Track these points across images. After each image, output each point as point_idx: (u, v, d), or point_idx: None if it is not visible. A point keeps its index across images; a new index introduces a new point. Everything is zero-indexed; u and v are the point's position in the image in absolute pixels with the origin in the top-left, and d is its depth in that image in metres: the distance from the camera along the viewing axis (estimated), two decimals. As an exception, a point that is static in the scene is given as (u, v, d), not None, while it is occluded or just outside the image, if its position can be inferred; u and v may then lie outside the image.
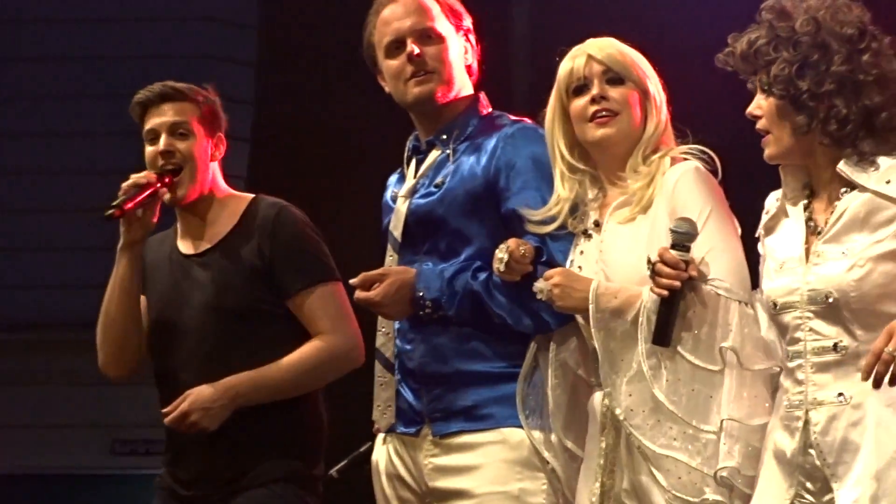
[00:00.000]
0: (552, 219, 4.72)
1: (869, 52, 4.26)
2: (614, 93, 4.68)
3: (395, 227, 5.01)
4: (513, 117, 5.04)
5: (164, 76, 5.58)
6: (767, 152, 4.38)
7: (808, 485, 4.27)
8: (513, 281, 4.71)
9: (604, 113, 4.65)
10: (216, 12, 18.42)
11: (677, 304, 4.35)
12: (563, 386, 4.77)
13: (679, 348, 4.44)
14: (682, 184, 4.55)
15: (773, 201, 4.46)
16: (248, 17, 17.32)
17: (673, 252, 4.39)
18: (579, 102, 4.68)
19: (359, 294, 4.88)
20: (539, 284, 4.62)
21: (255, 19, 15.61)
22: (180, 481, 5.42)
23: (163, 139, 5.31)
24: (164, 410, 5.25)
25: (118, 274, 5.35)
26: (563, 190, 4.71)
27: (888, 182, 4.19)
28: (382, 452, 5.05)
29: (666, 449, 4.46)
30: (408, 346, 4.98)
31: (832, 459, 4.18)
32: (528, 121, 5.01)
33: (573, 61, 4.71)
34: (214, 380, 5.24)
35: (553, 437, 4.79)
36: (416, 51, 4.90)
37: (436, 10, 5.00)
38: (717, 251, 4.47)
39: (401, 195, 5.05)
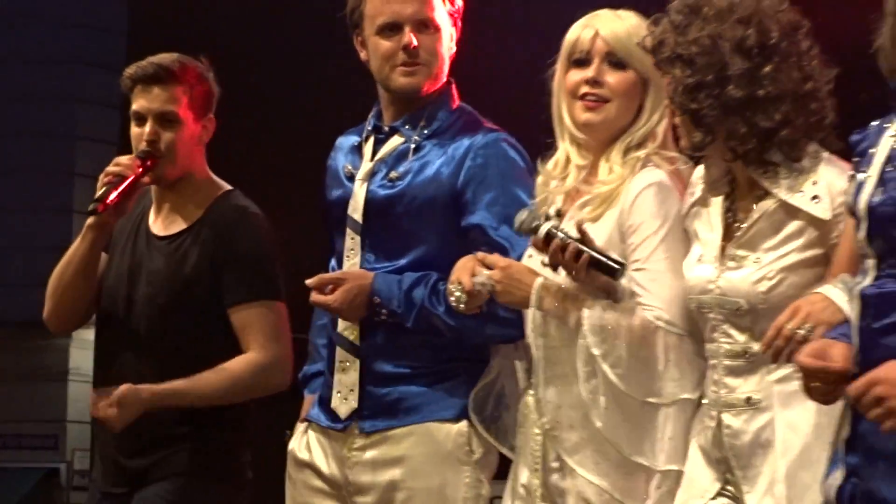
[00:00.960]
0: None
1: (772, 63, 4.29)
2: (611, 77, 4.67)
3: (355, 210, 5.07)
4: (486, 123, 5.12)
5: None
6: (681, 145, 4.53)
7: (728, 476, 4.37)
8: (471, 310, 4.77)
9: (592, 96, 4.67)
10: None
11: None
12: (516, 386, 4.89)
13: (615, 381, 4.46)
14: (639, 202, 4.55)
15: (698, 180, 4.55)
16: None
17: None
18: (574, 77, 4.69)
19: (315, 297, 4.99)
20: (481, 278, 4.65)
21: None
22: (101, 476, 5.57)
23: (149, 125, 5.39)
24: (95, 405, 5.33)
25: (81, 248, 5.43)
26: (577, 159, 4.74)
27: (801, 193, 4.28)
28: (301, 441, 5.16)
29: (584, 469, 4.54)
30: (355, 340, 5.13)
31: (743, 462, 4.32)
32: (500, 130, 5.09)
33: (581, 31, 4.73)
34: (144, 362, 5.38)
35: (497, 438, 4.90)
36: (414, 42, 4.98)
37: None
38: (659, 282, 4.50)
39: (358, 177, 5.10)
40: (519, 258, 4.76)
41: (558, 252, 4.44)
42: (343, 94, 6.10)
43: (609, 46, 4.64)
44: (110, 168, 5.37)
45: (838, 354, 3.75)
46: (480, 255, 4.72)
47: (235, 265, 5.40)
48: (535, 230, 4.51)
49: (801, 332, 3.83)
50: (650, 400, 4.47)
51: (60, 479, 18.47)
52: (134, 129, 5.46)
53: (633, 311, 4.51)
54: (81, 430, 17.26)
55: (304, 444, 5.13)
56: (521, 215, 4.55)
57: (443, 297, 4.83)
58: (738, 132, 4.28)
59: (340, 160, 5.25)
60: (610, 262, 4.44)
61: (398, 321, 4.93)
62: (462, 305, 4.65)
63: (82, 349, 17.11)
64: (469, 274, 4.66)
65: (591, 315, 4.47)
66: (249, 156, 11.14)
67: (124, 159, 5.38)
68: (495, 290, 4.63)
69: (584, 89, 4.63)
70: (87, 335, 15.89)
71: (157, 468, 5.38)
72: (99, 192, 5.36)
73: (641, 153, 4.62)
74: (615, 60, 4.63)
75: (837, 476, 3.85)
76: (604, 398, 4.49)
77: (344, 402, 4.99)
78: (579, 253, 4.43)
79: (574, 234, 4.48)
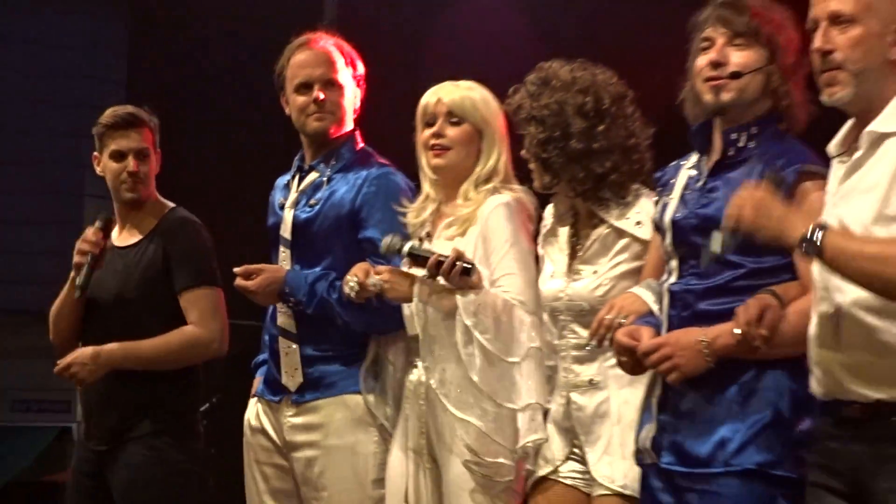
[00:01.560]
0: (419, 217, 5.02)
1: (604, 124, 4.58)
2: (451, 131, 4.94)
3: (285, 230, 5.38)
4: (380, 160, 5.42)
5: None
6: (535, 185, 4.75)
7: (574, 443, 4.63)
8: (361, 300, 5.08)
9: (437, 146, 4.96)
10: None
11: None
12: (395, 373, 5.19)
13: (488, 346, 4.72)
14: (492, 217, 4.82)
15: (549, 216, 4.79)
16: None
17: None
18: (425, 134, 4.98)
19: (238, 282, 5.29)
20: (372, 279, 4.92)
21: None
22: (87, 436, 5.79)
23: (131, 162, 5.68)
24: (57, 363, 5.61)
25: (69, 295, 5.81)
26: (433, 194, 5.04)
27: (627, 219, 4.54)
28: (253, 412, 5.46)
29: (470, 416, 4.78)
30: (272, 332, 5.47)
31: (586, 429, 4.57)
32: (390, 165, 5.43)
33: (429, 98, 5.04)
34: (118, 340, 5.69)
35: (387, 406, 5.18)
36: (322, 96, 5.31)
37: (340, 62, 5.41)
38: (514, 275, 4.75)
39: (287, 206, 5.41)
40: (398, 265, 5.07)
41: (434, 267, 4.72)
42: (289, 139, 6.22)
43: (448, 108, 4.95)
44: (83, 247, 5.68)
45: (646, 335, 4.06)
46: (370, 265, 5.03)
47: (181, 259, 5.73)
48: (399, 250, 4.84)
49: (617, 320, 4.16)
50: (511, 359, 4.76)
51: (73, 435, 18.43)
52: (114, 165, 5.77)
53: (496, 295, 4.77)
54: None
55: (255, 414, 5.44)
56: (387, 239, 4.90)
57: (338, 290, 5.14)
58: (578, 176, 4.57)
59: (276, 196, 5.54)
60: (471, 266, 4.76)
61: (302, 308, 5.29)
62: (354, 294, 4.96)
63: (90, 330, 17.92)
64: (363, 272, 4.98)
65: (463, 299, 4.71)
66: (212, 183, 11.27)
67: (90, 235, 5.70)
68: (384, 289, 4.88)
69: (432, 141, 4.95)
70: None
71: (129, 430, 5.68)
72: (81, 278, 5.65)
73: (489, 185, 4.90)
74: (453, 119, 4.94)
75: (650, 429, 4.19)
76: (478, 359, 4.74)
77: (291, 378, 5.34)
78: (453, 265, 4.70)
79: (435, 249, 4.85)
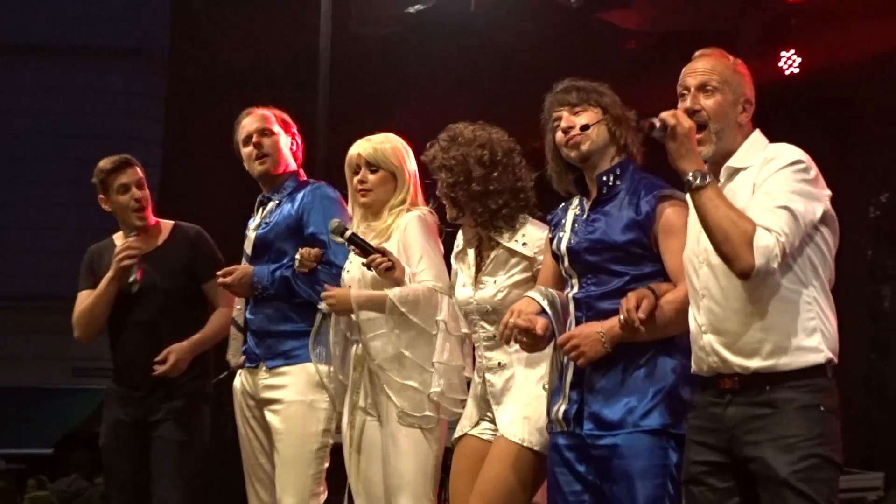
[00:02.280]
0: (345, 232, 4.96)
1: (497, 171, 4.57)
2: (372, 177, 4.92)
3: (248, 247, 5.36)
4: (315, 181, 5.39)
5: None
6: (448, 218, 4.73)
7: (488, 410, 4.59)
8: (304, 273, 5.15)
9: (362, 189, 4.94)
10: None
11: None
12: (338, 341, 5.05)
13: (413, 319, 4.75)
14: (409, 227, 4.86)
15: (460, 241, 4.76)
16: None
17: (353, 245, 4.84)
18: (354, 180, 4.99)
19: (220, 280, 5.25)
20: (321, 305, 5.00)
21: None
22: (127, 386, 5.56)
23: (135, 192, 5.53)
24: (157, 365, 5.40)
25: (109, 290, 5.49)
26: (361, 220, 5.00)
27: (516, 241, 4.55)
28: (238, 379, 5.36)
29: (404, 379, 4.78)
30: (251, 316, 5.34)
31: (497, 400, 4.55)
32: (322, 182, 5.40)
33: (351, 151, 5.00)
34: (150, 329, 5.50)
35: (331, 371, 5.08)
36: (260, 143, 5.30)
37: (272, 119, 5.35)
38: (428, 269, 4.79)
39: (251, 229, 5.38)
40: (333, 251, 5.12)
41: (369, 262, 4.73)
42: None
43: (363, 159, 4.94)
44: (129, 250, 5.44)
45: (540, 324, 4.08)
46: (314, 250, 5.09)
47: (202, 258, 5.57)
48: (343, 233, 4.81)
49: (518, 320, 4.09)
50: (435, 332, 4.79)
51: None
52: (122, 198, 5.53)
53: (420, 283, 4.78)
54: None
55: (240, 382, 5.35)
56: (334, 222, 4.88)
57: (292, 270, 5.16)
58: (478, 211, 4.58)
59: (251, 222, 5.44)
60: (392, 264, 4.74)
61: (268, 291, 5.22)
62: (297, 265, 5.11)
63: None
64: (305, 249, 5.11)
65: (393, 292, 4.75)
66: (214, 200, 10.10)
67: (132, 240, 5.49)
68: (332, 309, 4.91)
69: (359, 186, 4.93)
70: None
71: (172, 390, 5.48)
72: (132, 275, 5.42)
73: (402, 207, 4.91)
74: (371, 166, 4.93)
75: (562, 405, 4.15)
76: (407, 335, 4.78)
77: (234, 357, 5.36)
78: (379, 263, 4.72)
79: (372, 242, 4.81)
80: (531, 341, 4.12)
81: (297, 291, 5.20)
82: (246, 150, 5.35)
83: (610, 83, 4.24)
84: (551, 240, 4.32)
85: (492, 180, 4.58)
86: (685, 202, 3.97)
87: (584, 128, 4.15)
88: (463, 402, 4.77)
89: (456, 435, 4.70)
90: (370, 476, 4.90)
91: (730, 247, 3.63)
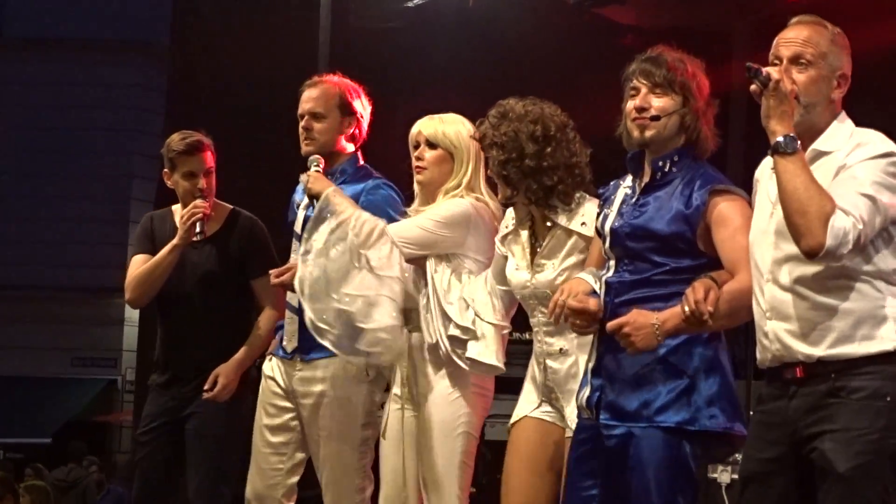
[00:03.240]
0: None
1: (551, 146, 4.44)
2: (428, 154, 4.87)
3: (297, 226, 5.19)
4: (375, 174, 5.23)
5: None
6: (499, 199, 4.64)
7: (551, 396, 4.46)
8: None
9: (418, 166, 4.91)
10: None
11: None
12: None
13: (348, 235, 4.75)
14: (439, 201, 4.84)
15: (510, 220, 4.62)
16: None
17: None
18: (413, 155, 4.92)
19: (274, 280, 5.06)
20: (302, 177, 5.02)
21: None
22: (167, 378, 5.52)
23: (201, 181, 5.50)
24: (208, 390, 5.35)
25: (171, 258, 5.45)
26: (420, 200, 4.95)
27: (573, 221, 4.44)
28: (268, 366, 5.31)
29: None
30: (296, 304, 5.20)
31: (561, 388, 4.41)
32: (382, 177, 5.22)
33: (413, 130, 4.95)
34: (199, 317, 5.46)
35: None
36: (306, 126, 5.18)
37: (332, 97, 5.19)
38: (408, 228, 4.79)
39: (301, 207, 5.25)
40: None
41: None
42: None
43: (425, 137, 4.86)
44: (196, 208, 5.41)
45: (593, 303, 3.96)
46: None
47: (255, 253, 5.51)
48: (312, 166, 4.87)
49: (568, 300, 4.01)
50: (356, 266, 4.75)
51: (118, 385, 19.60)
52: (186, 183, 5.49)
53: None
54: (130, 356, 18.09)
55: (269, 367, 5.28)
56: (315, 158, 4.94)
57: None
58: (532, 188, 4.43)
59: (297, 196, 5.33)
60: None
61: None
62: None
63: (133, 306, 18.54)
64: None
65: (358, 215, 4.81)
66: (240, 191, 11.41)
67: (199, 202, 5.42)
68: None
69: (415, 163, 4.89)
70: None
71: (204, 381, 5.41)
72: (199, 227, 5.37)
73: (458, 191, 4.85)
74: (430, 144, 4.87)
75: (586, 391, 4.03)
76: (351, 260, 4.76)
77: (289, 342, 5.21)
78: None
79: None
80: (585, 322, 4.00)
81: None
82: (299, 128, 5.23)
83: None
84: (598, 216, 4.21)
85: (545, 156, 4.45)
86: (742, 197, 3.89)
87: (655, 118, 3.97)
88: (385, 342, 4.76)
89: (514, 419, 4.56)
90: (412, 466, 4.86)
91: (805, 220, 3.45)
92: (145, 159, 17.27)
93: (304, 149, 5.15)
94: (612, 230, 4.04)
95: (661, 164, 4.01)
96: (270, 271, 5.08)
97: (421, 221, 4.78)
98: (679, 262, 3.93)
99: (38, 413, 18.49)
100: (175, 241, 5.41)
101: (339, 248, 4.74)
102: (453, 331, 4.71)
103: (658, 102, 3.98)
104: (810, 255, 3.48)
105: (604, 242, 4.10)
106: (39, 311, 18.66)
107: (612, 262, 4.05)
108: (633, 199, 4.06)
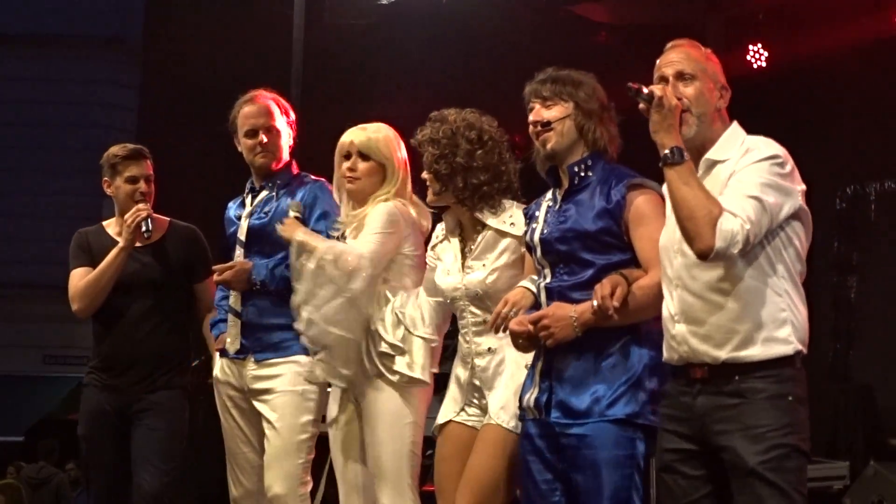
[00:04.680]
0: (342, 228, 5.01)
1: (483, 149, 4.57)
2: (361, 165, 4.95)
3: (241, 234, 5.33)
4: (313, 177, 5.35)
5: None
6: (428, 200, 4.72)
7: (475, 395, 4.56)
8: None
9: (350, 176, 4.97)
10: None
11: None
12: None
13: (330, 271, 4.79)
14: (371, 212, 4.89)
15: (440, 231, 4.77)
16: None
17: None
18: (344, 165, 4.99)
19: (216, 276, 5.24)
20: (278, 227, 5.01)
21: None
22: (111, 375, 5.54)
23: (142, 186, 5.53)
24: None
25: (117, 263, 5.48)
26: (348, 208, 5.03)
27: (503, 222, 4.54)
28: (220, 367, 5.35)
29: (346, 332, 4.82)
30: (241, 307, 5.32)
31: (488, 385, 4.52)
32: (321, 179, 5.32)
33: (344, 139, 5.01)
34: (141, 322, 5.50)
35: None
36: (264, 140, 5.28)
37: (276, 112, 5.33)
38: (366, 241, 4.80)
39: (244, 216, 5.36)
40: None
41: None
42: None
43: (356, 147, 4.95)
44: (139, 210, 5.43)
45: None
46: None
47: (198, 257, 5.58)
48: (298, 212, 4.95)
49: (511, 312, 4.16)
50: (346, 295, 4.78)
51: None
52: (128, 187, 5.52)
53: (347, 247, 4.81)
54: None
55: (221, 368, 5.33)
56: (296, 204, 5.02)
57: (290, 269, 5.05)
58: (459, 186, 4.57)
59: (231, 213, 5.46)
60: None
61: (266, 287, 5.22)
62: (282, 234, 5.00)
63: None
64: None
65: (322, 242, 4.86)
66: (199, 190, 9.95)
67: (142, 205, 5.47)
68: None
69: (347, 173, 4.95)
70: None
71: (164, 381, 5.49)
72: (144, 226, 5.41)
73: (386, 198, 4.91)
74: (363, 154, 4.95)
75: (532, 393, 4.14)
76: (322, 292, 4.79)
77: (232, 345, 5.29)
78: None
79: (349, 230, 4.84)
80: (526, 343, 4.11)
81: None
82: (248, 142, 5.34)
83: (573, 71, 4.23)
84: (525, 232, 4.34)
85: (476, 157, 4.59)
86: (657, 191, 4.03)
87: (546, 125, 4.19)
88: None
89: (439, 421, 4.67)
90: (352, 465, 4.95)
91: (693, 224, 3.65)
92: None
93: (260, 162, 5.30)
94: (542, 239, 4.21)
95: (575, 169, 4.21)
96: (214, 268, 5.25)
97: (368, 240, 4.81)
98: (609, 257, 4.09)
99: (11, 411, 18.44)
100: (121, 244, 5.47)
101: (326, 289, 4.79)
102: (383, 347, 4.82)
103: (549, 113, 4.21)
104: (702, 256, 3.67)
105: (534, 253, 4.25)
106: (10, 309, 18.58)
107: (547, 270, 4.20)
108: (557, 207, 4.24)
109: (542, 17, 10.03)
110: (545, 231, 4.21)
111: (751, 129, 3.92)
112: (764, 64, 10.03)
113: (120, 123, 17.87)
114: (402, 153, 4.99)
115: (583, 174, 4.19)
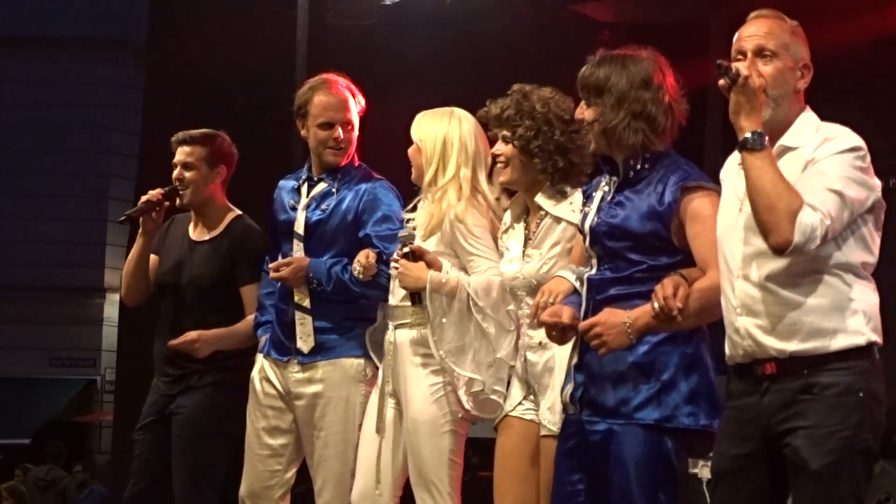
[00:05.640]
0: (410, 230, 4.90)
1: (573, 131, 4.44)
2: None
3: (299, 227, 5.22)
4: (374, 175, 5.26)
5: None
6: (502, 179, 4.61)
7: (530, 390, 4.49)
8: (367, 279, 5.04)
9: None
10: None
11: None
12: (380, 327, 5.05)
13: (488, 313, 4.67)
14: (459, 216, 4.73)
15: (507, 218, 4.65)
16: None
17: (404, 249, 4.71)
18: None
19: (273, 274, 5.14)
20: (390, 268, 4.85)
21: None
22: (162, 382, 5.57)
23: (177, 170, 5.51)
24: (175, 343, 5.41)
25: (137, 248, 5.58)
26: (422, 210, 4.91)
27: (562, 207, 4.47)
28: (259, 366, 5.29)
29: (471, 372, 4.68)
30: (284, 307, 5.23)
31: (537, 381, 4.45)
32: (382, 178, 5.25)
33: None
34: (188, 318, 5.49)
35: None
36: (341, 136, 5.16)
37: (352, 105, 5.18)
38: (483, 260, 4.71)
39: (300, 207, 5.24)
40: (389, 254, 4.92)
41: (402, 255, 4.67)
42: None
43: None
44: (146, 196, 5.51)
45: (567, 314, 3.96)
46: (370, 251, 4.97)
47: (244, 259, 5.48)
48: (407, 241, 4.68)
49: (548, 301, 4.05)
50: (512, 329, 4.64)
51: (97, 385, 19.57)
52: (320, 133, 5.19)
53: (479, 275, 4.66)
54: (110, 356, 17.58)
55: (260, 368, 5.28)
56: (402, 232, 4.78)
57: (349, 272, 5.06)
58: (557, 165, 4.45)
59: (284, 196, 5.31)
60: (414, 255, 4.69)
61: (322, 288, 5.11)
62: (360, 276, 4.98)
63: (111, 305, 17.98)
64: (364, 257, 4.96)
65: (469, 280, 4.65)
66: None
67: (154, 192, 5.49)
68: (399, 275, 4.72)
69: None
70: (114, 297, 16.57)
71: (194, 381, 5.48)
72: (130, 210, 5.55)
73: (457, 188, 4.73)
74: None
75: (569, 388, 4.05)
76: (474, 326, 4.67)
77: (304, 342, 5.19)
78: (413, 252, 4.64)
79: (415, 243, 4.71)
80: (559, 335, 4.01)
81: (354, 294, 5.11)
82: (322, 134, 5.16)
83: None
84: (580, 212, 4.22)
85: (573, 137, 4.45)
86: (714, 191, 3.90)
87: (588, 124, 4.06)
88: (501, 395, 4.65)
89: (497, 417, 4.60)
90: (388, 459, 4.85)
91: (772, 216, 3.47)
92: (123, 158, 17.23)
93: (331, 159, 5.15)
94: (591, 229, 4.06)
95: (631, 163, 4.03)
96: (269, 266, 5.15)
97: (482, 253, 4.70)
98: (657, 259, 3.94)
99: (17, 414, 18.49)
100: (140, 230, 5.53)
101: (473, 321, 4.68)
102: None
103: (588, 113, 4.03)
104: (778, 251, 3.50)
105: (585, 240, 4.11)
106: (17, 311, 18.69)
107: (595, 261, 4.07)
108: (610, 198, 4.07)
109: (547, 17, 10.00)
110: (595, 221, 4.07)
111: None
112: (769, 62, 10.02)
113: (125, 125, 17.92)
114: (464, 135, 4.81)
115: (638, 167, 4.02)
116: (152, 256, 5.61)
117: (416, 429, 4.74)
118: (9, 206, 19.06)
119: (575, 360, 4.06)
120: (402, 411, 4.82)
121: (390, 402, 4.86)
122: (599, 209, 4.07)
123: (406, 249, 4.68)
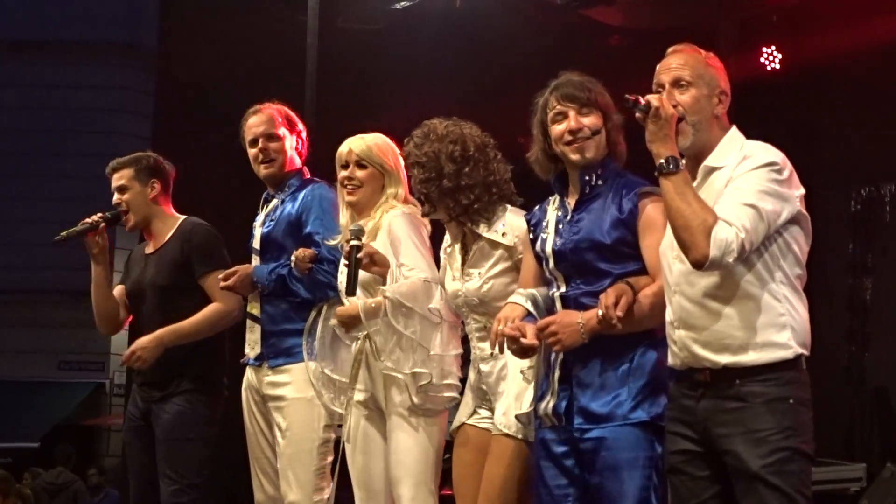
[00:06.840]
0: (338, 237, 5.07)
1: (469, 166, 4.60)
2: (359, 173, 4.98)
3: (256, 243, 5.44)
4: (317, 180, 5.42)
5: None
6: (421, 215, 4.81)
7: (485, 399, 4.61)
8: (303, 272, 5.18)
9: (349, 185, 5.00)
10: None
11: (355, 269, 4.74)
12: (325, 335, 5.09)
13: (419, 311, 4.74)
14: (393, 224, 4.86)
15: (447, 239, 4.77)
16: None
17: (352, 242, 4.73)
18: (342, 174, 5.02)
19: (222, 284, 5.31)
20: (332, 321, 4.97)
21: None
22: (139, 388, 5.62)
23: (114, 196, 5.63)
24: (122, 362, 5.55)
25: (93, 277, 5.62)
26: (348, 219, 5.03)
27: (494, 232, 4.58)
28: (246, 375, 5.42)
29: (412, 368, 4.75)
30: (256, 314, 5.41)
31: (492, 390, 4.55)
32: (322, 181, 5.40)
33: (343, 148, 5.05)
34: (157, 320, 5.52)
35: (317, 367, 5.09)
36: (265, 146, 5.37)
37: (278, 120, 5.39)
38: (416, 260, 4.78)
39: (257, 225, 5.48)
40: (328, 249, 5.13)
41: (350, 255, 4.73)
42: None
43: (355, 154, 4.99)
44: (86, 219, 5.55)
45: (528, 328, 4.06)
46: (305, 250, 5.14)
47: (195, 253, 5.54)
48: (355, 237, 4.75)
49: (505, 329, 4.09)
50: (438, 321, 4.77)
51: (106, 389, 19.76)
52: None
53: (410, 277, 4.76)
54: (119, 360, 16.50)
55: (246, 376, 5.44)
56: (352, 226, 4.85)
57: (288, 269, 5.22)
58: (450, 206, 4.61)
59: (256, 222, 5.54)
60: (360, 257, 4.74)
61: (267, 289, 5.29)
62: (294, 268, 5.17)
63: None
64: (301, 250, 5.15)
65: (390, 290, 4.73)
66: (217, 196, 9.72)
67: (95, 216, 5.56)
68: (342, 325, 4.86)
69: (346, 182, 4.99)
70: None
71: (171, 388, 5.50)
72: (64, 233, 5.50)
73: (389, 205, 4.94)
74: (361, 162, 4.98)
75: (551, 400, 4.14)
76: (412, 328, 4.75)
77: (252, 350, 5.39)
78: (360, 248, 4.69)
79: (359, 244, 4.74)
80: (520, 348, 4.10)
81: (293, 290, 5.25)
82: (252, 152, 5.42)
83: (593, 79, 4.25)
84: (533, 241, 4.32)
85: (463, 176, 4.61)
86: None
87: (596, 132, 4.16)
88: (454, 387, 4.79)
89: (454, 425, 4.72)
90: (370, 470, 4.90)
91: (688, 234, 3.66)
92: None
93: (264, 171, 5.38)
94: (556, 251, 4.18)
95: (587, 178, 4.19)
96: (219, 276, 5.31)
97: (417, 254, 4.80)
98: (625, 267, 4.07)
99: (26, 417, 18.51)
100: (91, 259, 5.60)
101: (401, 323, 4.75)
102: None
103: (587, 121, 4.17)
104: (697, 266, 3.70)
105: (546, 264, 4.22)
106: (26, 315, 18.72)
107: (561, 281, 4.18)
108: (567, 218, 4.21)
109: (556, 21, 10.05)
110: (558, 242, 4.19)
111: (764, 132, 3.93)
112: (778, 66, 10.04)
113: (135, 129, 17.96)
114: (400, 160, 4.98)
115: (594, 183, 4.18)
116: (118, 287, 5.71)
117: (397, 428, 4.79)
118: (18, 208, 19.14)
119: (558, 373, 4.14)
120: (383, 415, 4.87)
121: (366, 413, 4.91)
122: (558, 231, 4.21)
123: (354, 242, 4.76)
